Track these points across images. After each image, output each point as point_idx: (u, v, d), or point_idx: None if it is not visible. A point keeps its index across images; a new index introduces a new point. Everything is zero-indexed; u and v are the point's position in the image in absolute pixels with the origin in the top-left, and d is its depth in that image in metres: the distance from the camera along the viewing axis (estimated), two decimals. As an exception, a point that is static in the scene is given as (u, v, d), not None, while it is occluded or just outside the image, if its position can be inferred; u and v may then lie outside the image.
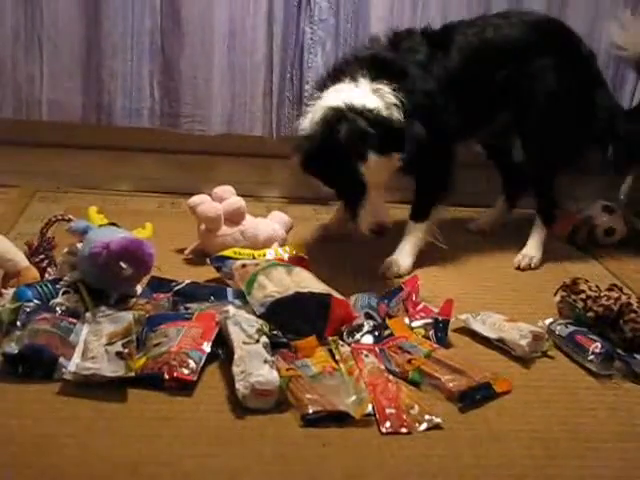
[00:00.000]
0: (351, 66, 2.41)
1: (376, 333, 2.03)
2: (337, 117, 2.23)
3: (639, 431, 1.78)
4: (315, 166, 2.29)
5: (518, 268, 2.66)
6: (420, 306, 2.18)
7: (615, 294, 2.15)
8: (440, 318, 2.09)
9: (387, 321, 2.10)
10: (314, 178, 2.34)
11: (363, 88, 2.31)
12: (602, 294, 2.16)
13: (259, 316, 1.95)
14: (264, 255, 2.36)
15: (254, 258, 2.31)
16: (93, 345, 1.80)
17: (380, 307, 2.15)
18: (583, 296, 2.17)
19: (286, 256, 2.37)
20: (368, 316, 2.09)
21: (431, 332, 2.06)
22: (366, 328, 2.04)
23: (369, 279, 2.38)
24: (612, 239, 2.90)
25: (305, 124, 2.33)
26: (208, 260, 2.31)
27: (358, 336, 2.01)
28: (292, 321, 1.96)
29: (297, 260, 2.29)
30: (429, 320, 2.10)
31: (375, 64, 2.39)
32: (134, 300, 2.07)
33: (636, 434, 1.77)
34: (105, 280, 2.03)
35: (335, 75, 2.42)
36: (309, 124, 2.31)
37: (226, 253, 2.32)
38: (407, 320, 2.12)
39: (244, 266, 2.17)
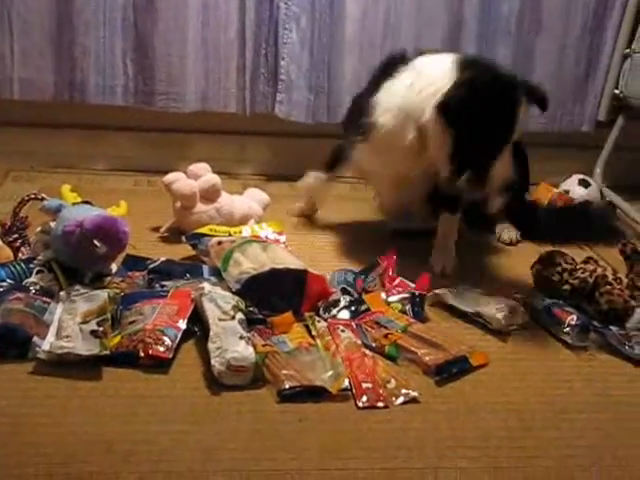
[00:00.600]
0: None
1: (352, 308, 2.03)
2: (480, 67, 2.11)
3: (614, 401, 1.79)
4: (468, 114, 2.03)
5: (499, 240, 2.67)
6: (397, 281, 2.17)
7: (591, 267, 2.16)
8: (417, 292, 2.09)
9: (364, 296, 2.10)
10: (453, 131, 2.08)
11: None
12: (578, 267, 2.17)
13: (235, 292, 1.95)
14: (240, 232, 2.35)
15: (230, 235, 2.30)
16: (67, 324, 1.79)
17: (357, 282, 2.15)
18: (559, 269, 2.18)
19: (262, 233, 2.36)
20: (345, 291, 2.09)
21: (408, 307, 2.06)
22: (342, 303, 2.04)
23: (347, 256, 2.37)
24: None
25: (382, 110, 2.21)
26: (184, 238, 2.30)
27: (335, 311, 2.01)
28: (268, 297, 1.96)
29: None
30: (406, 295, 2.10)
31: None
32: (109, 278, 2.06)
33: (611, 404, 1.78)
34: (79, 259, 2.01)
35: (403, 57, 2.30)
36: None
37: (202, 230, 2.31)
38: (384, 295, 2.12)
39: (220, 243, 2.17)
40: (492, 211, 2.18)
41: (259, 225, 2.43)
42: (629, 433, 1.68)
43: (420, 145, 2.17)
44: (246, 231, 2.37)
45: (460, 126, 2.06)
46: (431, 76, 2.14)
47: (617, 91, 2.99)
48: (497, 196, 2.21)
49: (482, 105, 2.02)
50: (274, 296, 1.96)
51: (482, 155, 2.09)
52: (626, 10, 2.97)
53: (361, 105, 2.33)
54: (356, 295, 2.10)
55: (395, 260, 2.23)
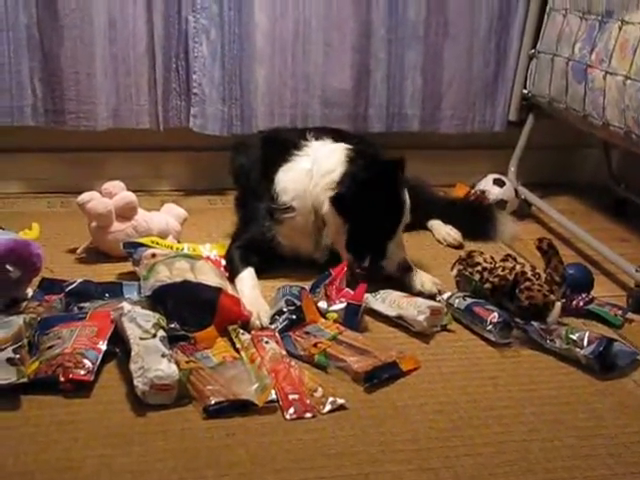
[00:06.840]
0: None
1: (293, 317, 2.02)
2: (364, 154, 2.31)
3: (538, 395, 1.82)
4: (360, 203, 2.22)
5: (441, 243, 2.71)
6: (343, 291, 2.14)
7: (510, 264, 2.19)
8: (351, 302, 2.08)
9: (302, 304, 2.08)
10: (346, 220, 2.26)
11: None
12: (497, 265, 2.20)
13: (146, 298, 1.95)
14: (182, 249, 2.36)
15: (171, 250, 2.31)
16: (-19, 353, 1.73)
17: (303, 294, 2.11)
18: (479, 268, 2.21)
19: (205, 253, 2.37)
20: (290, 303, 2.07)
21: (343, 317, 2.06)
22: (286, 313, 2.03)
23: (301, 274, 2.33)
24: (504, 211, 2.94)
25: (290, 195, 2.31)
26: (121, 245, 2.27)
27: (280, 320, 2.01)
28: (177, 309, 1.94)
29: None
30: (342, 305, 2.09)
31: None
32: (25, 303, 2.00)
33: (535, 398, 1.81)
34: (-9, 285, 1.96)
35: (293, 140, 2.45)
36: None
37: (143, 240, 2.30)
38: (325, 304, 2.11)
39: (154, 255, 2.17)
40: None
41: (203, 246, 2.42)
42: (554, 425, 1.71)
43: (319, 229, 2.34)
44: (186, 250, 2.36)
45: (354, 216, 2.24)
46: (325, 167, 2.29)
47: (525, 91, 3.05)
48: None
49: (372, 195, 2.21)
50: (184, 309, 1.94)
51: (377, 239, 2.27)
52: (529, 11, 3.03)
53: (256, 186, 2.46)
54: (299, 303, 2.07)
55: (345, 272, 2.19)
